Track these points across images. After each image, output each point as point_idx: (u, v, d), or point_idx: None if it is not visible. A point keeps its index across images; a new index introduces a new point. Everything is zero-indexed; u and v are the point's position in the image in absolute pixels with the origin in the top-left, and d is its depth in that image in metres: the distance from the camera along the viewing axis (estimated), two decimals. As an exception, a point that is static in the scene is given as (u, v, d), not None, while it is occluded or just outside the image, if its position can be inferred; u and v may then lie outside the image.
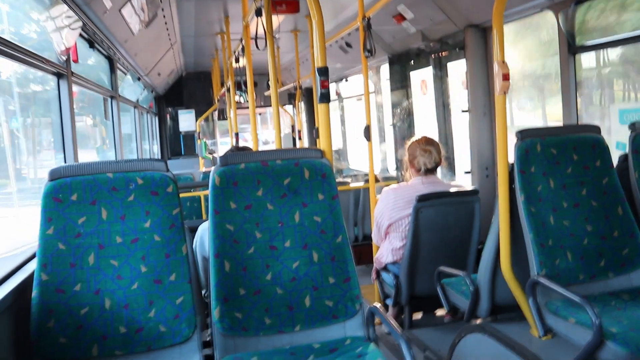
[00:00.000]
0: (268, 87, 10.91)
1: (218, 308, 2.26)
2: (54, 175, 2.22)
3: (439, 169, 3.78)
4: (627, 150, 2.91)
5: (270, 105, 10.91)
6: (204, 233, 3.24)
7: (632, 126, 2.91)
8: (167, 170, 2.31)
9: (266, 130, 18.07)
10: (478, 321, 3.09)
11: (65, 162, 3.62)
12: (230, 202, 2.32)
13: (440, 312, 4.00)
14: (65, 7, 3.39)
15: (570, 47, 3.72)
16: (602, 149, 2.80)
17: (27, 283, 2.25)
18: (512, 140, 2.72)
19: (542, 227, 2.61)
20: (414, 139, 3.77)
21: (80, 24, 3.67)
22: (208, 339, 2.57)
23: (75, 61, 3.74)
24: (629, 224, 2.75)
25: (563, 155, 2.73)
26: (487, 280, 2.97)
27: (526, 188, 2.64)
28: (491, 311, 3.04)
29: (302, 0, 5.49)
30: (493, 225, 2.88)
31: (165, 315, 2.21)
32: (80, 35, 4.11)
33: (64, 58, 3.59)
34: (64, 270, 2.16)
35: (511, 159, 2.68)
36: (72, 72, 3.79)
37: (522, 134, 2.70)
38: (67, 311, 2.14)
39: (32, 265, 2.43)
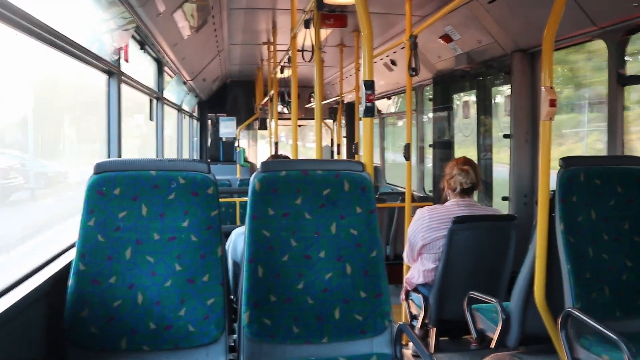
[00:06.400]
0: (309, 100, 10.99)
1: (248, 313, 2.27)
2: (99, 168, 2.27)
3: (475, 194, 3.74)
4: None
5: (310, 118, 11.08)
6: (237, 238, 3.25)
7: None
8: (209, 172, 2.33)
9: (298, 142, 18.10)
10: (506, 350, 3.03)
11: (109, 157, 3.71)
12: (268, 208, 2.34)
13: (466, 338, 3.93)
14: (122, 8, 3.49)
15: (620, 78, 3.65)
16: None
17: (64, 272, 2.31)
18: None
19: (580, 259, 2.54)
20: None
21: (134, 24, 3.77)
22: (232, 345, 2.59)
23: (127, 61, 3.84)
24: None
25: (607, 187, 2.67)
26: (519, 309, 2.90)
27: (566, 217, 2.59)
28: (520, 341, 2.97)
29: (349, 16, 5.54)
30: (529, 253, 2.82)
31: (195, 315, 2.23)
32: (132, 36, 4.22)
33: (116, 57, 3.69)
34: (101, 262, 2.21)
35: (552, 186, 2.64)
36: (122, 72, 3.89)
37: (566, 162, 2.65)
38: (100, 302, 2.19)
39: (70, 255, 2.49)
